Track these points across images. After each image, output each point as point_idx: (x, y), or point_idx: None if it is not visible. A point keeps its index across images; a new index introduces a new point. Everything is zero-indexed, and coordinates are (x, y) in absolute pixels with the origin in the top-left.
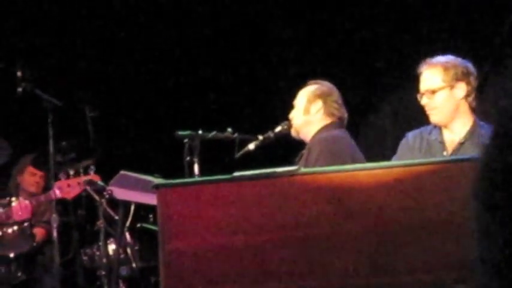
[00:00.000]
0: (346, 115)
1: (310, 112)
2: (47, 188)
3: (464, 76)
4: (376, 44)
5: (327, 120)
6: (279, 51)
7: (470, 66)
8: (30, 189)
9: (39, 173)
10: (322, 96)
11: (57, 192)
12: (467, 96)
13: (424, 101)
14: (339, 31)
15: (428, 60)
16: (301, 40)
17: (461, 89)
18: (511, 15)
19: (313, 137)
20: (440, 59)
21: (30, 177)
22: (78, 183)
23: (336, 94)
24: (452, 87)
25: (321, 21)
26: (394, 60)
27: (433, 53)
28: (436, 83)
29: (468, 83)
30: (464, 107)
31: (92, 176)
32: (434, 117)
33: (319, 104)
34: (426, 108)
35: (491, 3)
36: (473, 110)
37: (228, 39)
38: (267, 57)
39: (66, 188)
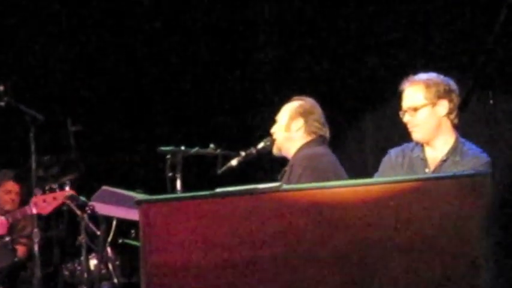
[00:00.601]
0: (327, 133)
1: (291, 129)
2: (25, 202)
3: (446, 94)
4: (361, 59)
5: (308, 138)
6: (263, 67)
7: (452, 83)
8: (5, 207)
9: (15, 190)
10: (304, 114)
11: (33, 208)
12: (449, 113)
13: (406, 118)
14: (323, 47)
15: (411, 77)
16: (285, 56)
17: (443, 106)
18: (494, 31)
19: (295, 154)
20: (422, 76)
21: (5, 194)
22: (54, 198)
23: (318, 112)
24: (434, 104)
25: (306, 37)
26: (378, 76)
27: (417, 69)
28: (418, 100)
29: (450, 101)
30: (447, 124)
31: (67, 191)
32: (416, 135)
33: (300, 122)
34: (408, 126)
35: (475, 20)
36: (456, 127)
37: (212, 55)
38: (251, 74)
39: (42, 203)
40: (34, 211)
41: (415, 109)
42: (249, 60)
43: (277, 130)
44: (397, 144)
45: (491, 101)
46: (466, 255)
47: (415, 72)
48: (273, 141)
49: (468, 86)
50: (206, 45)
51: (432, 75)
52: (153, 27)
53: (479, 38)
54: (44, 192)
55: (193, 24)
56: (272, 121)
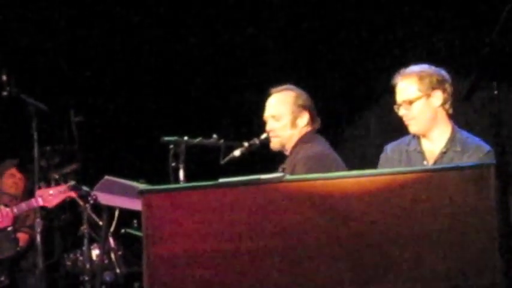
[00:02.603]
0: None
1: (297, 126)
2: (27, 191)
3: (439, 84)
4: (361, 52)
5: (308, 129)
6: (266, 58)
7: (444, 73)
8: (10, 191)
9: (19, 175)
10: (307, 107)
11: (39, 200)
12: (444, 103)
13: (401, 112)
14: (323, 39)
15: (403, 70)
16: (289, 48)
17: (438, 97)
18: (499, 22)
19: (294, 149)
20: (415, 68)
21: (8, 178)
22: (60, 192)
23: (307, 97)
24: (428, 96)
25: (306, 29)
26: (379, 69)
27: (420, 60)
28: (412, 93)
29: (444, 91)
30: (442, 115)
31: (72, 184)
32: (413, 127)
33: (305, 117)
34: (404, 119)
35: (480, 10)
36: (450, 117)
37: (216, 45)
38: (255, 64)
39: (48, 196)
40: (40, 203)
41: (410, 102)
42: (254, 51)
43: (280, 129)
44: (401, 136)
45: (495, 92)
46: (471, 247)
47: (418, 63)
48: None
49: (472, 77)
50: (209, 33)
51: (424, 67)
52: (156, 17)
53: (484, 29)
54: (49, 185)
55: (198, 11)
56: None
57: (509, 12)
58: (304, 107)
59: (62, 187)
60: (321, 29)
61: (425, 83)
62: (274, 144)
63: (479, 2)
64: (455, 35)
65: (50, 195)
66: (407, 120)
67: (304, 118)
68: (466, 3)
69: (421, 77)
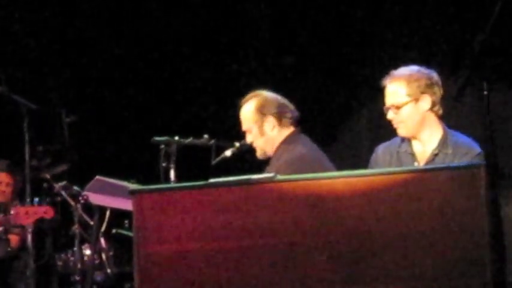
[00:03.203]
0: (296, 112)
1: (265, 132)
2: (19, 193)
3: (428, 87)
4: (351, 53)
5: (284, 132)
6: (257, 57)
7: (434, 75)
8: None
9: (6, 181)
10: (266, 109)
11: (15, 218)
12: (432, 107)
13: (390, 115)
14: (315, 38)
15: (392, 73)
16: (279, 45)
17: (426, 101)
18: (490, 21)
19: (276, 154)
20: (404, 71)
21: None
22: (35, 213)
23: (275, 98)
24: (417, 100)
25: (300, 25)
26: (369, 70)
27: (411, 60)
28: (400, 97)
29: (433, 94)
30: (431, 117)
31: (46, 207)
32: (401, 131)
33: (270, 121)
34: (393, 122)
35: (471, 9)
36: (441, 118)
37: (206, 46)
38: (245, 64)
39: (24, 214)
40: (15, 221)
41: (398, 107)
42: (244, 50)
43: (254, 139)
44: (392, 136)
45: (485, 92)
46: (461, 247)
47: (407, 65)
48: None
49: (463, 76)
50: (200, 32)
51: (413, 69)
52: (148, 15)
53: (475, 28)
54: (23, 204)
55: (190, 10)
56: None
57: (500, 10)
58: (265, 113)
59: (36, 208)
60: (313, 28)
61: (414, 87)
62: (258, 155)
63: (470, 1)
64: (446, 33)
65: (25, 215)
66: (395, 124)
67: (269, 123)
68: (457, 2)
69: (409, 81)
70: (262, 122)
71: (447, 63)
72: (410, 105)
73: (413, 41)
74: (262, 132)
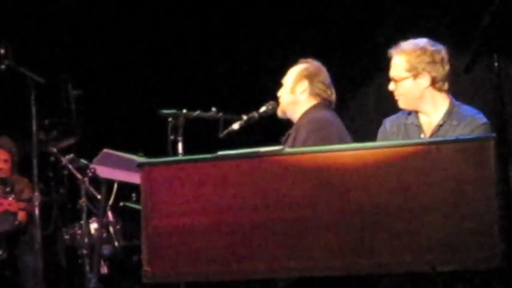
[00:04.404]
0: (333, 96)
1: (295, 92)
2: (20, 166)
3: (429, 65)
4: (358, 26)
5: (313, 101)
6: (266, 30)
7: (440, 52)
8: None
9: (3, 157)
10: (309, 76)
11: None
12: (433, 84)
13: (391, 86)
14: (327, 15)
15: (398, 45)
16: (287, 19)
17: (425, 78)
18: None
19: (301, 117)
20: (409, 45)
21: None
22: (1, 204)
23: (323, 75)
24: (416, 76)
25: (311, 4)
26: (377, 43)
27: (420, 35)
28: (400, 71)
29: (434, 71)
30: (433, 93)
31: (12, 200)
32: (400, 103)
33: (304, 84)
34: (394, 94)
35: None
36: (447, 92)
37: (214, 18)
38: (254, 37)
39: None
40: None
41: (396, 81)
42: (254, 24)
43: (283, 93)
44: (398, 110)
45: (496, 64)
46: (469, 219)
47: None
48: (278, 104)
49: (473, 48)
50: (206, 5)
51: (419, 44)
52: None
53: (485, 0)
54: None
55: None
56: (277, 85)
57: None
58: (306, 76)
59: (8, 200)
60: (319, 4)
61: (414, 64)
62: (278, 111)
63: None
64: (455, 6)
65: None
66: (396, 96)
67: (302, 85)
68: None
69: (411, 56)
70: (297, 82)
71: (457, 35)
72: (409, 81)
73: (421, 13)
74: (292, 90)
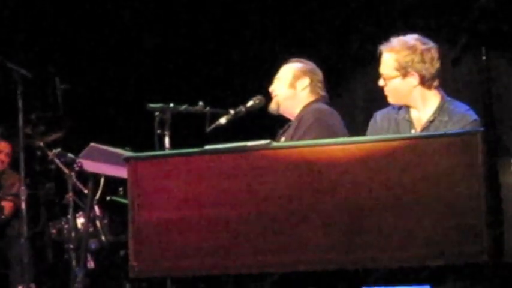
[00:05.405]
0: (327, 98)
1: (296, 87)
2: (14, 161)
3: (418, 64)
4: (347, 19)
5: (313, 97)
6: (253, 26)
7: (430, 50)
8: None
9: (6, 150)
10: (309, 74)
11: None
12: (422, 83)
13: (380, 82)
14: (310, 6)
15: (388, 41)
16: (275, 13)
17: (414, 78)
18: None
19: (302, 110)
20: (398, 43)
21: None
22: None
23: (320, 74)
24: (405, 76)
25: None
26: (366, 36)
27: (409, 28)
28: (388, 70)
29: (424, 70)
30: (421, 91)
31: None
32: (389, 99)
33: (306, 81)
34: (384, 89)
35: None
36: (438, 88)
37: (201, 13)
38: (240, 32)
39: None
40: None
41: (385, 79)
42: (240, 18)
43: (279, 87)
44: (387, 103)
45: (484, 58)
46: (458, 214)
47: (405, 32)
48: (263, 99)
49: (461, 41)
50: (196, 2)
51: (408, 42)
52: None
53: None
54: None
55: None
56: (266, 79)
57: None
58: (306, 73)
59: None
60: None
61: (403, 63)
62: (271, 104)
63: None
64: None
65: None
66: (385, 92)
67: (304, 82)
68: None
69: (400, 55)
70: (298, 79)
71: (445, 28)
72: (398, 80)
73: (410, 6)
74: (292, 86)
